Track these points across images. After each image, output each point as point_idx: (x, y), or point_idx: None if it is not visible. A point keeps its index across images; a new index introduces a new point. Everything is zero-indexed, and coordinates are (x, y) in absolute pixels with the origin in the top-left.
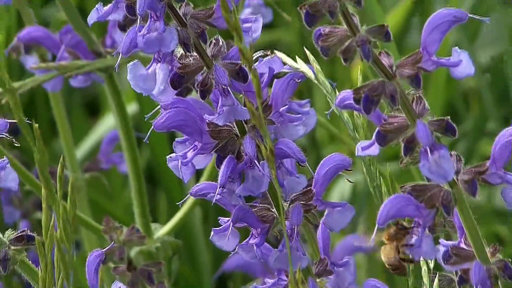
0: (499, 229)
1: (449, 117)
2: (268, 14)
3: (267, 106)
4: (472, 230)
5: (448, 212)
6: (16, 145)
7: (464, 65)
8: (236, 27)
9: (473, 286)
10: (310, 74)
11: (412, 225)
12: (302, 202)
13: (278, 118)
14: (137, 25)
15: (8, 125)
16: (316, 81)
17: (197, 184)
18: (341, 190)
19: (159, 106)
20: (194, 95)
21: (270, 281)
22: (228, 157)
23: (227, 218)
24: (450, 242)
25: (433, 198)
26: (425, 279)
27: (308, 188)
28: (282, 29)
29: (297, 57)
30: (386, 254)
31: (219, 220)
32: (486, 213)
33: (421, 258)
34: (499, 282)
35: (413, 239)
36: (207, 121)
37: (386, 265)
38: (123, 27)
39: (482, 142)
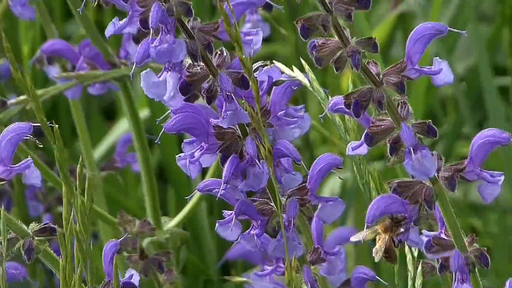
0: (474, 222)
1: (430, 120)
2: (266, 28)
3: (266, 111)
4: (451, 222)
5: (430, 206)
6: (39, 146)
7: (444, 73)
8: (237, 40)
9: (452, 273)
10: (305, 82)
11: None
12: (297, 197)
13: (276, 122)
14: (150, 38)
15: (32, 128)
16: (311, 89)
17: (204, 181)
18: (332, 186)
19: (169, 111)
20: (201, 101)
21: (268, 268)
22: (231, 156)
23: (231, 211)
24: (431, 233)
25: (417, 194)
26: (410, 266)
27: (303, 184)
28: (279, 43)
29: (293, 66)
30: (381, 244)
31: (223, 213)
32: (463, 207)
33: (406, 247)
34: (476, 269)
35: (401, 230)
36: (212, 124)
37: (380, 253)
38: (137, 39)
39: (459, 144)
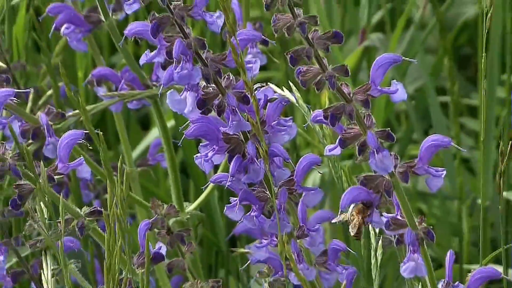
0: (421, 206)
1: (389, 129)
2: (263, 59)
3: (263, 121)
4: (405, 207)
5: (389, 194)
6: (90, 148)
7: (399, 92)
8: (242, 66)
9: (406, 245)
10: (293, 99)
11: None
12: (287, 187)
13: (270, 129)
14: (174, 65)
15: (84, 134)
16: (297, 104)
17: (215, 175)
18: (313, 179)
19: (188, 121)
20: (213, 114)
21: (265, 241)
22: (236, 156)
23: (236, 198)
24: (390, 215)
25: (379, 185)
26: (373, 240)
27: (291, 177)
28: (273, 70)
29: (284, 88)
30: (356, 223)
31: (230, 199)
32: (413, 194)
33: (370, 226)
34: (424, 243)
35: (369, 213)
36: (222, 131)
37: (355, 230)
38: (164, 67)
39: (410, 147)
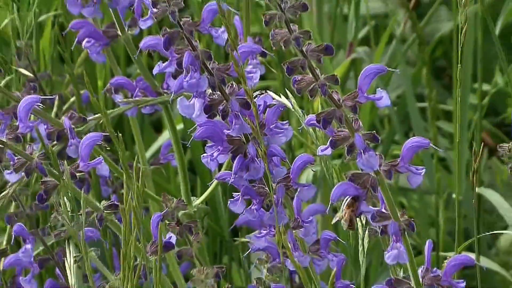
0: (402, 200)
1: (374, 131)
2: (262, 69)
3: (262, 125)
4: (388, 201)
5: (375, 190)
6: (108, 148)
7: (383, 99)
8: (242, 76)
9: (389, 235)
10: (289, 105)
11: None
12: (283, 183)
13: (269, 132)
14: (183, 75)
15: (103, 136)
16: (293, 109)
17: (220, 172)
18: (307, 176)
19: (196, 125)
20: (218, 118)
21: (264, 232)
22: (238, 156)
23: (238, 193)
24: (375, 208)
25: (365, 182)
26: (360, 231)
27: (288, 175)
28: (271, 79)
29: (281, 95)
30: (347, 216)
31: (233, 194)
32: (394, 189)
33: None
34: (405, 233)
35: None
36: (226, 133)
37: (347, 223)
38: (174, 76)
39: (392, 148)
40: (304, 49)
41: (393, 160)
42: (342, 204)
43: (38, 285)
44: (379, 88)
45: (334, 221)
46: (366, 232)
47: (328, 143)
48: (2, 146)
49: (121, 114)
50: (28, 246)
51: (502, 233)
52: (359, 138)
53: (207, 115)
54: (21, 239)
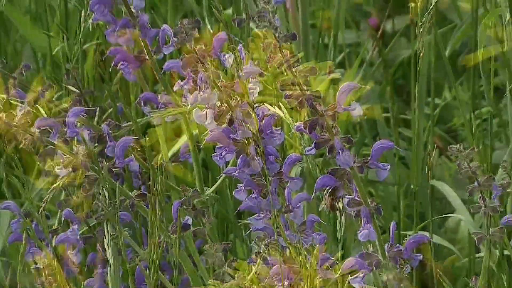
0: (371, 189)
1: (350, 135)
2: (260, 86)
3: (261, 130)
4: (361, 190)
5: (350, 182)
6: (138, 149)
7: (357, 110)
8: (246, 91)
9: (361, 218)
10: (282, 114)
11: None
12: (277, 177)
13: (266, 136)
14: (198, 91)
15: (134, 139)
16: (285, 118)
17: (227, 168)
18: (296, 171)
19: (208, 130)
20: (225, 125)
21: (262, 215)
22: (242, 155)
23: (241, 185)
24: (350, 196)
25: (343, 175)
26: (338, 214)
27: (280, 170)
28: (267, 94)
29: (275, 106)
30: (329, 202)
31: (237, 186)
32: (365, 181)
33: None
34: (374, 216)
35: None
36: (232, 137)
37: (328, 207)
38: (191, 92)
39: (363, 149)
40: (294, 70)
41: (364, 158)
42: (324, 193)
43: (83, 257)
44: (354, 101)
45: (320, 208)
46: (343, 215)
47: (313, 145)
48: (54, 147)
49: (149, 122)
50: (75, 226)
51: (450, 216)
52: (337, 141)
53: (216, 123)
54: (69, 221)
